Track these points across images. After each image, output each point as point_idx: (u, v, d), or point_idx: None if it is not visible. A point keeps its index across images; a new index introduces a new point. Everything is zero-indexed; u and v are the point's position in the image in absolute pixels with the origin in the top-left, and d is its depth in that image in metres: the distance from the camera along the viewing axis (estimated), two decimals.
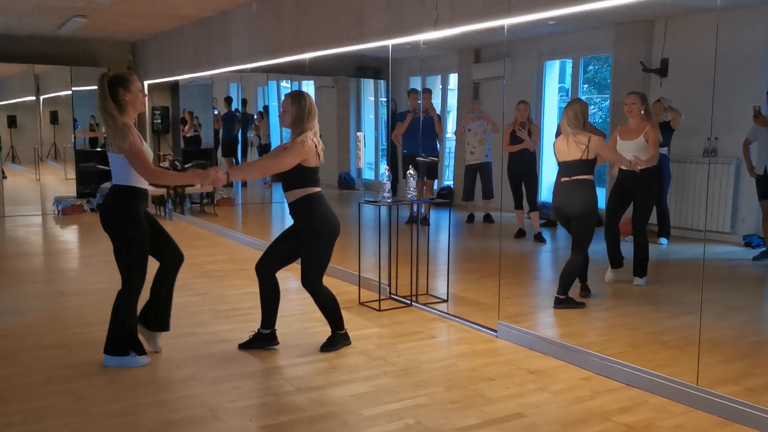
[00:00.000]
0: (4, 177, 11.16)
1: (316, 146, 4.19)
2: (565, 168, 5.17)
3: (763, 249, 6.43)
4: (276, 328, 4.40)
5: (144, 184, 3.99)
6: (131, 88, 3.94)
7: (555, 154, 5.24)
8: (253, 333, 4.40)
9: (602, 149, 5.16)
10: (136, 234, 3.95)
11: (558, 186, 5.27)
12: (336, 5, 6.26)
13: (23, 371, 3.94)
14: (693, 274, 5.95)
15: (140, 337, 4.17)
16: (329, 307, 4.36)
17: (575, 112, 5.12)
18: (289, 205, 4.25)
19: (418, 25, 5.18)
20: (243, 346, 4.37)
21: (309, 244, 4.22)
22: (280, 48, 7.17)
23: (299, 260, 4.31)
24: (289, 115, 4.19)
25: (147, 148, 4.03)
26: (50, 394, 3.60)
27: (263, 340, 4.37)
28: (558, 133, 5.39)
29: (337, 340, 4.38)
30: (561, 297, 5.05)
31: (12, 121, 11.78)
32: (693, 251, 6.97)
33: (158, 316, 4.25)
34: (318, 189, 4.24)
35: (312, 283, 4.29)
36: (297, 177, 4.16)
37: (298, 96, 4.21)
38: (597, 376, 3.91)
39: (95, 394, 3.61)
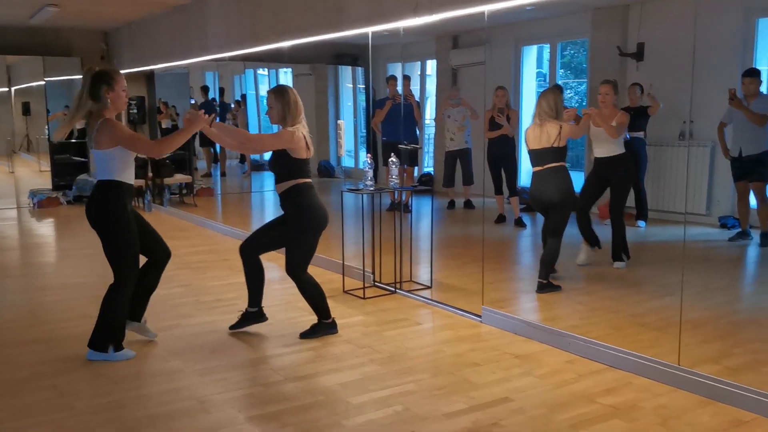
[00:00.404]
0: None
1: (305, 138, 4.19)
2: (536, 156, 5.22)
3: (739, 230, 6.54)
4: (263, 305, 4.48)
5: (128, 178, 3.95)
6: (115, 87, 3.90)
7: (525, 142, 5.28)
8: (241, 313, 4.48)
9: (573, 134, 5.25)
10: (123, 228, 3.92)
11: (533, 175, 5.32)
12: None
13: (5, 367, 3.89)
14: (671, 256, 6.06)
15: (132, 330, 4.21)
16: (314, 296, 4.38)
17: (548, 102, 5.16)
18: (279, 195, 4.28)
19: (397, 12, 5.16)
20: (234, 327, 4.46)
21: (295, 233, 4.24)
22: (257, 36, 7.10)
23: (283, 249, 4.32)
24: (275, 111, 4.20)
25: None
26: (34, 390, 3.56)
27: (251, 318, 4.46)
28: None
29: (321, 328, 4.39)
30: (543, 282, 5.11)
31: None
32: (670, 233, 7.08)
33: (134, 307, 4.21)
34: (307, 180, 4.25)
35: (296, 271, 4.31)
36: (287, 168, 4.19)
37: (281, 91, 4.22)
38: (581, 358, 3.96)
39: (80, 389, 3.57)
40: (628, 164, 5.86)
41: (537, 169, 5.23)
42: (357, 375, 3.75)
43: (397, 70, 8.93)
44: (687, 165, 7.16)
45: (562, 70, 9.42)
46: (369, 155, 5.34)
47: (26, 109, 12.30)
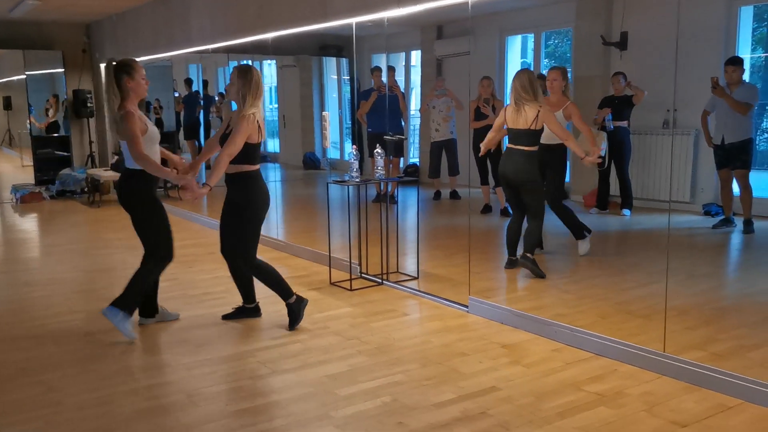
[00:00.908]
0: None
1: (259, 123, 4.20)
2: (513, 135, 5.26)
3: (722, 217, 6.61)
4: (258, 300, 4.60)
5: (255, 163, 4.23)
6: (134, 76, 4.13)
7: (506, 121, 5.29)
8: (236, 307, 4.61)
9: (549, 122, 5.19)
10: (147, 212, 4.22)
11: (505, 151, 5.37)
12: None
13: None
14: (656, 244, 6.11)
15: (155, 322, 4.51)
16: (271, 279, 4.40)
17: (522, 83, 5.13)
18: (227, 175, 4.27)
19: (382, 3, 5.15)
20: (226, 317, 4.60)
21: (236, 215, 4.31)
22: (242, 28, 7.06)
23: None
24: (235, 88, 4.20)
25: (152, 131, 4.19)
26: (22, 386, 3.55)
27: (247, 312, 4.60)
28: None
29: (294, 309, 4.41)
30: (528, 255, 5.20)
31: None
32: (655, 221, 7.14)
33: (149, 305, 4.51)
34: (257, 167, 4.30)
35: (230, 252, 4.40)
36: (240, 152, 4.18)
37: (245, 70, 4.24)
38: (567, 347, 3.99)
39: (68, 384, 3.56)
40: (563, 155, 5.86)
41: (510, 146, 5.30)
42: (345, 366, 3.76)
43: (381, 61, 8.90)
44: (670, 153, 7.21)
45: (546, 60, 9.44)
46: (354, 147, 5.33)
47: (7, 104, 12.17)
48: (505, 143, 5.61)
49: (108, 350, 4.06)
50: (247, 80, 4.16)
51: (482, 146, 5.62)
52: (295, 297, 4.43)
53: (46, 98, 11.59)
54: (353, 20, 5.52)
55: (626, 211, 7.23)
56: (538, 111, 5.08)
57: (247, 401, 3.36)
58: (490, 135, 5.56)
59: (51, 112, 11.60)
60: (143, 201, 4.20)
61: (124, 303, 4.16)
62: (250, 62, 11.72)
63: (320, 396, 3.39)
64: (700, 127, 6.76)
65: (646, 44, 7.38)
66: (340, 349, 4.04)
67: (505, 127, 5.38)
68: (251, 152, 4.20)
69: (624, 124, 7.14)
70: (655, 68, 7.02)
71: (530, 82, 5.13)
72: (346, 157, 5.60)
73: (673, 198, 7.02)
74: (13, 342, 4.22)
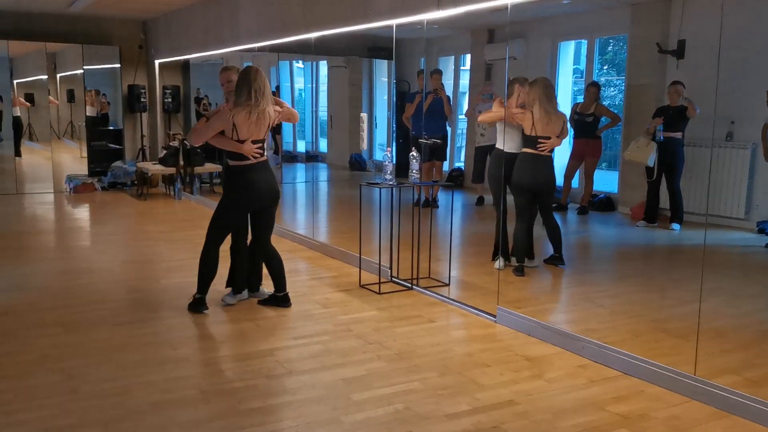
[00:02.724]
0: (18, 155, 11.25)
1: (235, 122, 4.42)
2: (541, 141, 5.42)
3: None
4: (288, 290, 4.83)
5: (233, 158, 4.54)
6: (221, 80, 4.81)
7: (533, 128, 5.43)
8: (270, 294, 4.88)
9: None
10: (224, 201, 4.68)
11: (527, 156, 5.49)
12: None
13: (20, 349, 3.96)
14: (705, 261, 5.84)
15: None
16: (203, 272, 4.67)
17: (551, 91, 5.54)
18: (223, 168, 4.80)
19: (421, 4, 5.09)
20: (262, 303, 4.87)
21: (220, 203, 4.74)
22: (287, 27, 7.10)
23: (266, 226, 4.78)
24: (232, 84, 4.60)
25: (246, 127, 4.46)
26: (44, 372, 3.61)
27: (277, 300, 4.82)
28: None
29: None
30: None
31: (29, 100, 11.83)
32: (707, 237, 6.84)
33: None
34: (243, 162, 4.53)
35: (208, 235, 4.67)
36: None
37: (243, 70, 4.53)
38: (594, 363, 3.85)
39: (87, 373, 3.61)
40: None
41: (537, 153, 5.42)
42: (362, 371, 3.71)
43: (428, 63, 8.82)
44: (723, 166, 6.91)
45: (605, 67, 9.21)
46: (389, 149, 5.28)
47: (71, 96, 12.54)
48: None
49: (132, 341, 4.11)
50: (238, 78, 4.50)
51: (482, 117, 5.89)
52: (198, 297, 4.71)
53: (102, 92, 11.89)
54: (393, 21, 5.48)
55: (676, 226, 6.96)
56: (565, 121, 5.12)
57: (260, 400, 3.34)
58: (494, 116, 5.69)
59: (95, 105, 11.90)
60: (232, 191, 4.74)
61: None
62: (301, 62, 11.82)
63: (333, 400, 3.35)
64: (758, 140, 6.46)
65: (704, 53, 7.09)
66: (360, 352, 3.99)
67: (529, 133, 5.45)
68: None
69: (677, 135, 6.88)
70: (712, 79, 6.75)
71: (553, 90, 5.35)
72: (390, 159, 5.58)
73: (726, 214, 6.73)
74: (42, 328, 4.31)
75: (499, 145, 5.68)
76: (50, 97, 11.49)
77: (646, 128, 6.77)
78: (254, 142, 4.46)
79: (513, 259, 5.50)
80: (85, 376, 3.58)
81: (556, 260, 5.45)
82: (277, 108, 4.62)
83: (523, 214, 5.46)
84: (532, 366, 3.82)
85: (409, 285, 5.38)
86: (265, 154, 4.58)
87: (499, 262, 5.47)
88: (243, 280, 4.94)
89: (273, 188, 4.66)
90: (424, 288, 5.31)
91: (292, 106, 12.02)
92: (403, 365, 3.80)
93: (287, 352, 3.97)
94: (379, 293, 5.20)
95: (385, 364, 3.82)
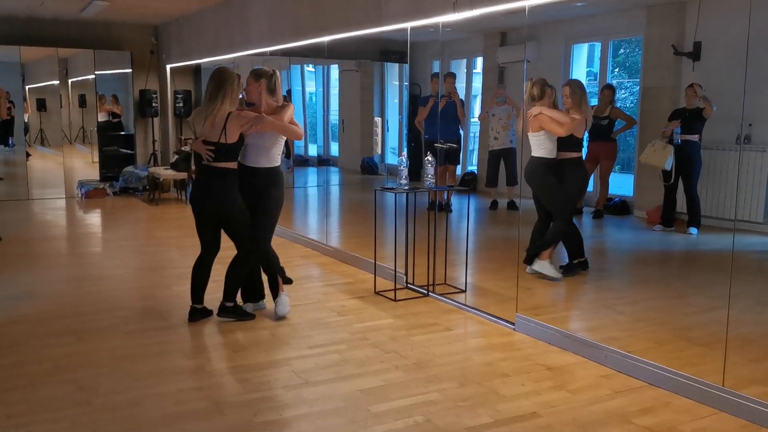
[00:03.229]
0: (28, 156, 11.25)
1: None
2: (576, 143, 5.40)
3: None
4: (238, 302, 4.70)
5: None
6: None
7: (579, 131, 5.37)
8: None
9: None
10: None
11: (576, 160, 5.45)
12: None
13: (31, 359, 3.89)
14: (724, 266, 5.72)
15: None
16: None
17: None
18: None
19: (437, 7, 5.01)
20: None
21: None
22: (298, 31, 7.04)
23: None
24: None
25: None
26: (55, 383, 3.54)
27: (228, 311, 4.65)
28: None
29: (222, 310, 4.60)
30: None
31: (41, 105, 11.84)
32: (724, 241, 6.71)
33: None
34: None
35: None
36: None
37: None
38: (618, 373, 3.75)
39: (100, 384, 3.54)
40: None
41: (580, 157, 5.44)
42: (380, 381, 3.62)
43: (441, 66, 8.75)
44: (738, 169, 6.79)
45: (617, 69, 9.10)
46: (403, 154, 5.20)
47: (82, 101, 12.54)
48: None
49: (144, 350, 4.04)
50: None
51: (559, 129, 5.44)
52: (233, 304, 4.61)
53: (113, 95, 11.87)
54: (408, 24, 5.40)
55: (693, 230, 6.84)
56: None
57: (275, 412, 3.26)
58: (570, 126, 5.38)
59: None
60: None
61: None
62: (312, 66, 11.76)
63: (350, 412, 3.26)
64: None
65: (721, 55, 6.98)
66: (377, 362, 3.90)
67: (581, 136, 5.42)
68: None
69: (694, 138, 6.77)
70: (730, 80, 6.63)
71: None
72: (405, 163, 5.51)
73: (744, 217, 6.60)
74: (53, 337, 4.25)
75: (542, 154, 5.41)
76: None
77: (662, 131, 6.66)
78: (206, 143, 4.29)
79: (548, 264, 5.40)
80: (97, 387, 3.51)
81: (582, 264, 5.43)
82: (268, 119, 4.37)
83: (571, 215, 5.47)
84: (554, 376, 3.72)
85: (425, 291, 5.29)
86: (227, 164, 4.34)
87: (544, 265, 5.32)
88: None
89: (201, 199, 4.44)
90: (441, 294, 5.22)
91: (303, 110, 12.00)
92: (421, 375, 3.71)
93: (303, 362, 3.89)
94: (395, 300, 5.12)
95: (402, 374, 3.73)
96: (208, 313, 4.62)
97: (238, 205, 4.41)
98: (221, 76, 4.31)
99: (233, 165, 4.40)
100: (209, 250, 4.58)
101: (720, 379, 3.39)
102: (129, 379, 3.62)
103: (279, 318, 4.63)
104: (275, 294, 4.74)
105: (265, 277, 4.80)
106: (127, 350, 4.04)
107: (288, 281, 5.21)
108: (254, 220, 4.51)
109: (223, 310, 4.56)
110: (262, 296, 4.83)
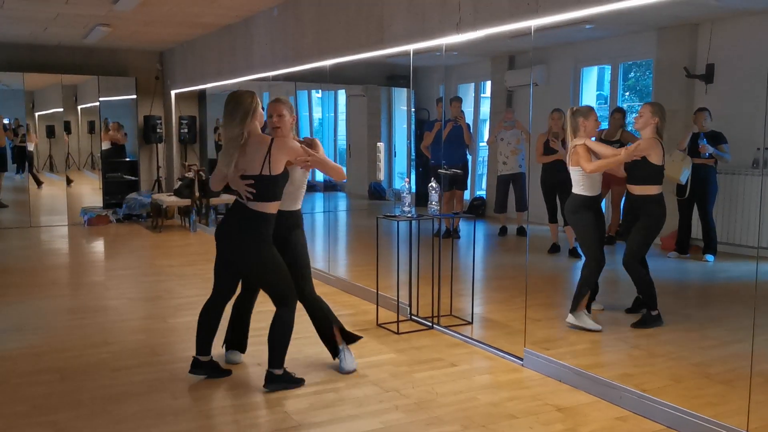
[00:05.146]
0: (40, 184, 11.19)
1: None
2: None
3: None
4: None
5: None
6: (271, 111, 3.95)
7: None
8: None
9: None
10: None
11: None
12: (356, 8, 5.96)
13: (9, 399, 3.69)
14: (743, 296, 5.45)
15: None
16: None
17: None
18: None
19: (440, 29, 4.85)
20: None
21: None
22: (300, 55, 6.91)
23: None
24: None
25: None
26: (31, 426, 3.34)
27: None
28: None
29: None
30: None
31: (50, 132, 11.82)
32: (742, 269, 6.45)
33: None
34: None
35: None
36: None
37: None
38: (634, 415, 3.49)
39: (79, 427, 3.33)
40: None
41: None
42: (378, 424, 3.39)
43: (446, 91, 8.61)
44: (759, 195, 6.55)
45: (627, 93, 8.93)
46: (407, 180, 5.01)
47: (91, 128, 12.51)
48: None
49: (130, 389, 3.83)
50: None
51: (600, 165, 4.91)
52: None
53: (119, 123, 11.81)
54: (410, 47, 5.24)
55: (709, 257, 6.58)
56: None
57: None
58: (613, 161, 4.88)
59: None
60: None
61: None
62: (320, 92, 11.68)
63: None
64: None
65: (734, 77, 6.79)
66: (376, 402, 3.67)
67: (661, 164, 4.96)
68: None
69: (709, 161, 6.55)
70: (744, 103, 6.42)
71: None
72: (408, 190, 5.33)
73: (764, 244, 6.35)
74: (36, 375, 4.05)
75: (580, 191, 4.90)
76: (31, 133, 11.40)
77: (677, 144, 6.43)
78: (244, 177, 3.69)
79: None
80: (77, 430, 3.29)
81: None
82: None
83: (641, 258, 4.89)
84: (565, 418, 3.48)
85: (430, 324, 5.06)
86: (265, 205, 3.70)
87: (580, 316, 4.73)
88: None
89: (222, 239, 3.82)
90: (446, 327, 4.98)
91: (311, 135, 11.90)
92: (422, 417, 3.48)
93: (298, 402, 3.66)
94: (398, 333, 4.89)
95: (402, 415, 3.49)
96: (216, 371, 3.98)
97: (268, 254, 3.74)
98: (232, 100, 3.68)
99: (271, 208, 3.72)
100: (222, 292, 3.97)
101: (744, 422, 3.14)
102: (111, 421, 3.40)
103: (346, 373, 4.08)
104: (335, 351, 4.15)
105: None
106: (112, 389, 3.83)
107: (352, 338, 4.25)
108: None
109: (270, 381, 3.79)
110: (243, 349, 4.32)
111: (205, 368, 3.97)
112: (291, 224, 4.04)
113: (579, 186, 4.86)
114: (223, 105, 3.72)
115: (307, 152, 3.79)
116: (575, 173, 4.85)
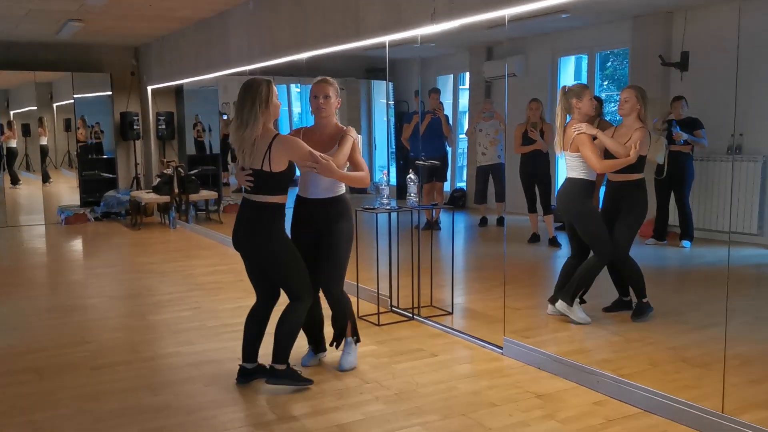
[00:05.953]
0: (16, 183, 11.06)
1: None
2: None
3: None
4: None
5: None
6: (316, 93, 3.89)
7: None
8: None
9: None
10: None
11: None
12: (332, 0, 5.94)
13: None
14: (718, 281, 5.51)
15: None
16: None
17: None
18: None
19: (415, 20, 4.84)
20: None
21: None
22: (277, 48, 6.87)
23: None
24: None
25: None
26: (10, 426, 3.31)
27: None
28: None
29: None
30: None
31: (26, 130, 11.67)
32: (718, 255, 6.53)
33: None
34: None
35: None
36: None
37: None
38: (611, 400, 3.53)
39: (58, 426, 3.31)
40: None
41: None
42: (359, 415, 3.40)
43: (425, 83, 8.61)
44: (731, 180, 6.64)
45: (605, 82, 8.98)
46: (385, 172, 5.01)
47: (67, 125, 12.36)
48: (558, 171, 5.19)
49: (110, 386, 3.81)
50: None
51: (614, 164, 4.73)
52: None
53: (95, 120, 11.70)
54: (386, 38, 5.23)
55: (686, 243, 6.67)
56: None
57: None
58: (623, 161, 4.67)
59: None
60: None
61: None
62: (299, 86, 11.62)
63: None
64: None
65: (709, 64, 6.85)
66: (356, 393, 3.68)
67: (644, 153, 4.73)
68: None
69: (686, 149, 6.62)
70: (719, 90, 6.49)
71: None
72: (392, 182, 5.33)
73: (738, 229, 6.43)
74: (14, 375, 4.01)
75: (580, 175, 4.67)
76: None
77: (653, 123, 6.48)
78: (246, 169, 3.59)
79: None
80: (55, 429, 3.27)
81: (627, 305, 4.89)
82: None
83: (627, 250, 4.74)
84: (544, 404, 3.51)
85: (410, 315, 5.08)
86: (268, 197, 3.56)
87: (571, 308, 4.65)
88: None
89: (237, 239, 3.66)
90: (426, 318, 5.00)
91: (290, 129, 11.83)
92: (403, 407, 3.49)
93: (277, 396, 3.66)
94: (378, 324, 4.90)
95: (383, 406, 3.51)
96: (295, 379, 3.72)
97: (280, 246, 3.59)
98: (244, 91, 3.49)
99: (276, 199, 3.57)
100: (262, 298, 3.80)
101: (719, 404, 3.18)
102: (91, 419, 3.38)
103: (344, 371, 3.98)
104: (338, 339, 4.07)
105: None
106: (91, 388, 3.80)
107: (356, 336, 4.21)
108: (318, 262, 3.79)
109: (272, 376, 3.67)
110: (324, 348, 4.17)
111: (253, 374, 3.80)
112: (333, 215, 3.80)
113: (579, 170, 4.62)
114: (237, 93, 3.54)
115: (314, 158, 3.50)
116: (573, 159, 4.62)
